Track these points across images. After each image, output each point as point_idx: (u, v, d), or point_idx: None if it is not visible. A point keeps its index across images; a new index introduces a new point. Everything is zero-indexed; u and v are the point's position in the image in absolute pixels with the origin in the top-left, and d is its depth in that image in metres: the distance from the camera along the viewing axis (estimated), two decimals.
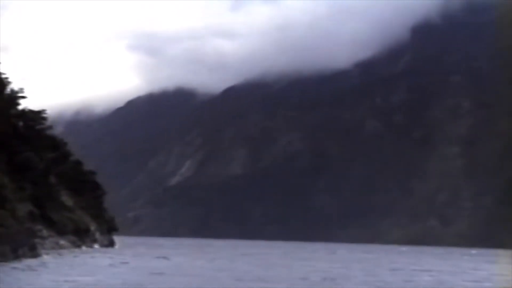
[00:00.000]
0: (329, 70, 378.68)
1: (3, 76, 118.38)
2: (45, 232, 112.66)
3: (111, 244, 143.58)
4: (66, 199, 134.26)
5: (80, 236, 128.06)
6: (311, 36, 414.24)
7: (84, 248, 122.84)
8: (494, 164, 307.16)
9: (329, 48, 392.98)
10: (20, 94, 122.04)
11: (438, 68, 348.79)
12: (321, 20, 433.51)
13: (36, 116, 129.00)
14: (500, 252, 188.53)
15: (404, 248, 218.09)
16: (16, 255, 77.99)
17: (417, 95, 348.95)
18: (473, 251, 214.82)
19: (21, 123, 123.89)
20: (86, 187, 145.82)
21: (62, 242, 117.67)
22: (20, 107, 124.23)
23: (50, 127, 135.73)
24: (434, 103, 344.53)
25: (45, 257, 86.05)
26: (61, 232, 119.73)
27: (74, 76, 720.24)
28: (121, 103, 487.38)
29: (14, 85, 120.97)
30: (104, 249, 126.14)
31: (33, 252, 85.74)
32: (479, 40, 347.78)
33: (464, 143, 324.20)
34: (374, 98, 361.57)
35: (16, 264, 71.18)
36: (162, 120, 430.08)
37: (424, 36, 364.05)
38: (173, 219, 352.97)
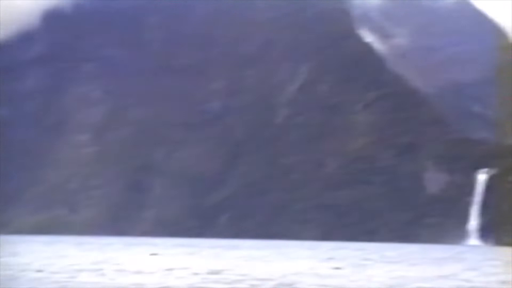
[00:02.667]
0: None
1: None
2: None
3: None
4: None
5: None
6: None
7: None
8: (124, 152, 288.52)
9: None
10: None
11: (71, 56, 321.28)
12: None
13: None
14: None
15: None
16: None
17: (50, 82, 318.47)
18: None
19: None
20: None
21: None
22: None
23: None
24: (66, 90, 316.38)
25: None
26: None
27: None
28: None
29: None
30: None
31: None
32: (112, 29, 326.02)
33: (96, 130, 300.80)
34: (7, 84, 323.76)
35: None
36: None
37: (57, 24, 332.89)
38: None
